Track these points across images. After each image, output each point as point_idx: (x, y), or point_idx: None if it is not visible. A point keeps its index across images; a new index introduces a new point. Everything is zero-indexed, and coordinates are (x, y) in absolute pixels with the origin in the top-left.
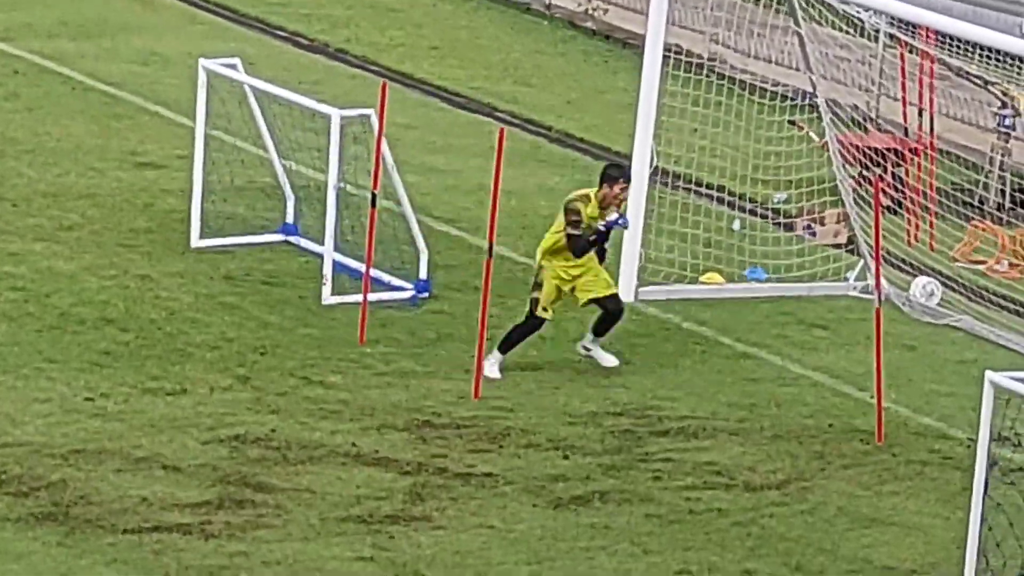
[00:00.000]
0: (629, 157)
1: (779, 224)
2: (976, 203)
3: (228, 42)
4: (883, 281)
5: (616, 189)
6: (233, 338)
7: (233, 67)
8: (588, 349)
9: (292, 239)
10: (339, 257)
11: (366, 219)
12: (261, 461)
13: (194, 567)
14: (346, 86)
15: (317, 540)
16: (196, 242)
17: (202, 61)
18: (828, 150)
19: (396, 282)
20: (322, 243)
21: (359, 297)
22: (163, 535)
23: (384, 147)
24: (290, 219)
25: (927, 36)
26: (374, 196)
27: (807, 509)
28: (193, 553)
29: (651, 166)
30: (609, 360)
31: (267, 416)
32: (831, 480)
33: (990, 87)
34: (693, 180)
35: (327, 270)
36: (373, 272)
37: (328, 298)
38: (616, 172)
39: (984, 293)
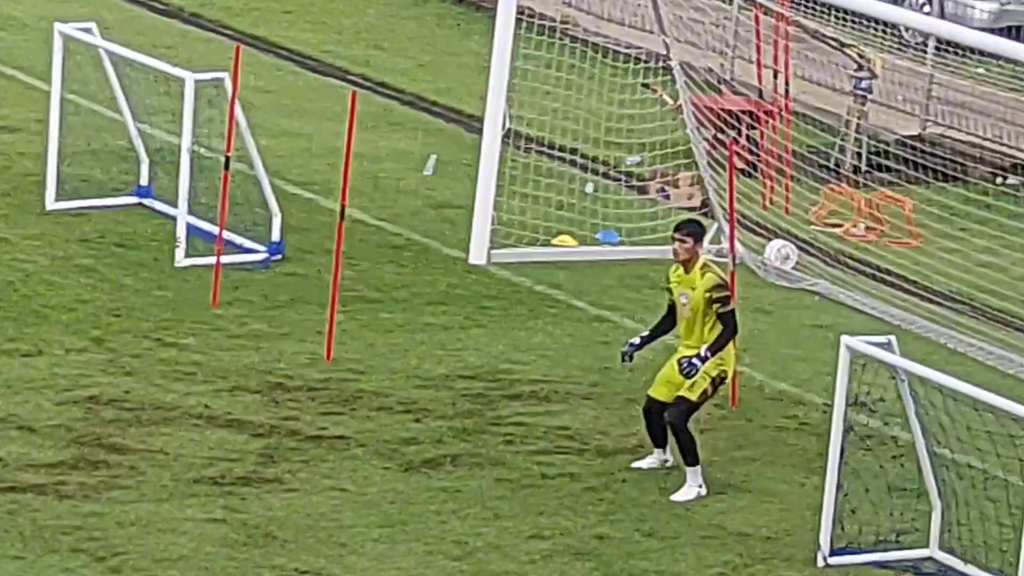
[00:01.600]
0: (481, 120)
1: (632, 187)
2: (832, 166)
3: (84, 6)
4: (738, 244)
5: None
6: (88, 300)
7: (88, 31)
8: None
9: (146, 202)
10: (193, 220)
11: (219, 182)
12: (115, 422)
13: (48, 527)
14: (200, 50)
15: (170, 501)
16: (51, 205)
17: (58, 25)
18: (682, 113)
19: (249, 244)
20: (176, 206)
21: (212, 259)
22: (17, 495)
23: (238, 110)
24: (144, 182)
25: None
26: (227, 159)
27: (660, 475)
28: (47, 513)
29: (504, 129)
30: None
31: (121, 378)
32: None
33: (846, 49)
34: (546, 143)
35: (181, 232)
36: (226, 234)
37: (182, 260)
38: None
39: (840, 257)
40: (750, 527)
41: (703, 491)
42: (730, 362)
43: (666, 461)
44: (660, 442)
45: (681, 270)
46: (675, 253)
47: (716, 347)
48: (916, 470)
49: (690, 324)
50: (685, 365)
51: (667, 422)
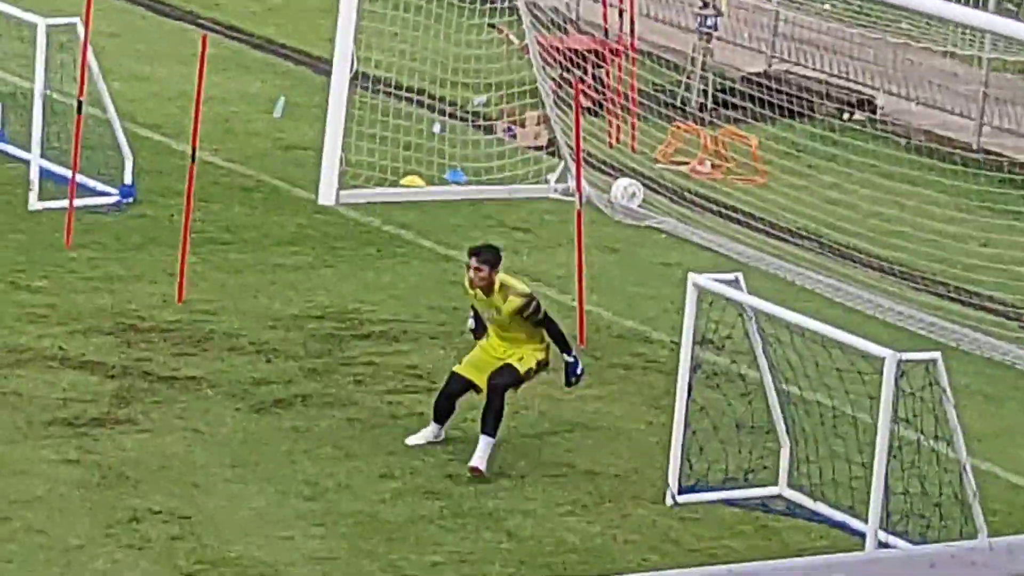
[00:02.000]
0: (329, 62)
1: (479, 127)
2: (678, 104)
3: None
4: (584, 183)
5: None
6: None
7: None
8: None
9: None
10: (45, 163)
11: (72, 126)
12: None
13: None
14: None
15: (24, 443)
16: None
17: None
18: (528, 53)
19: (101, 187)
20: (29, 150)
21: (65, 203)
22: None
23: (90, 55)
24: None
25: None
26: (80, 103)
27: (508, 413)
28: None
29: (352, 71)
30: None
31: None
32: (533, 383)
33: None
34: (394, 84)
35: (33, 176)
36: (79, 178)
37: (34, 204)
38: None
39: (687, 194)
40: (599, 465)
41: (484, 468)
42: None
43: (438, 437)
44: (443, 418)
45: (480, 293)
46: (470, 281)
47: (562, 344)
48: (764, 408)
49: (503, 328)
50: (573, 379)
51: (491, 384)
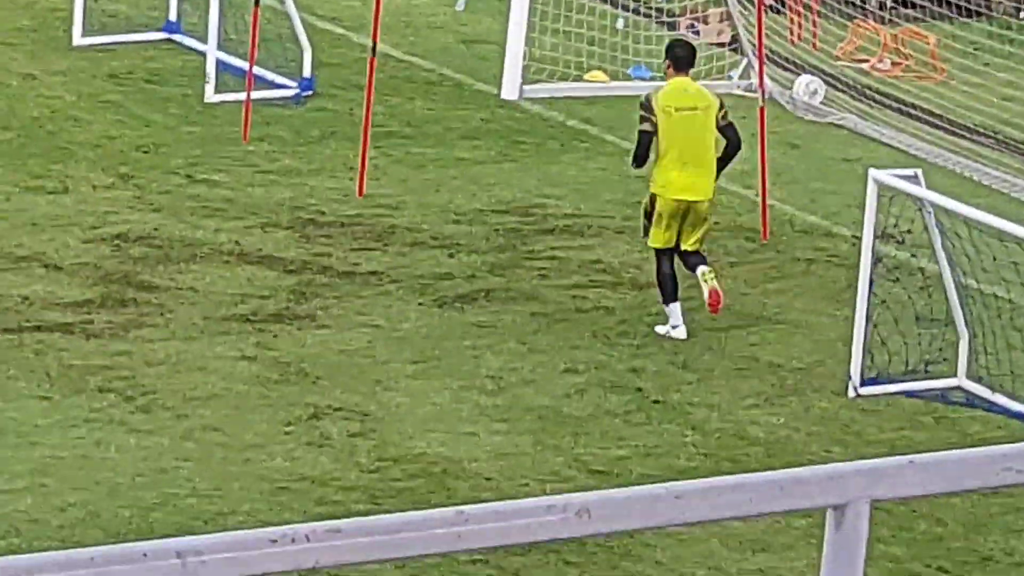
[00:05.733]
0: None
1: (663, 23)
2: (859, 2)
3: None
4: (766, 79)
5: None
6: (116, 136)
7: None
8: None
9: (175, 37)
10: (222, 55)
11: (249, 17)
12: (144, 260)
13: (76, 366)
14: None
15: (200, 339)
16: (79, 40)
17: None
18: None
19: (280, 80)
20: (205, 41)
21: (242, 95)
22: (44, 334)
23: None
24: (173, 17)
25: None
26: None
27: (693, 307)
28: (75, 352)
29: None
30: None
31: (150, 215)
32: (717, 278)
33: None
34: None
35: (210, 68)
36: (257, 70)
37: (212, 96)
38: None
39: (867, 91)
40: (782, 358)
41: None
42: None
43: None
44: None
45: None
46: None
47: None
48: (943, 301)
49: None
50: None
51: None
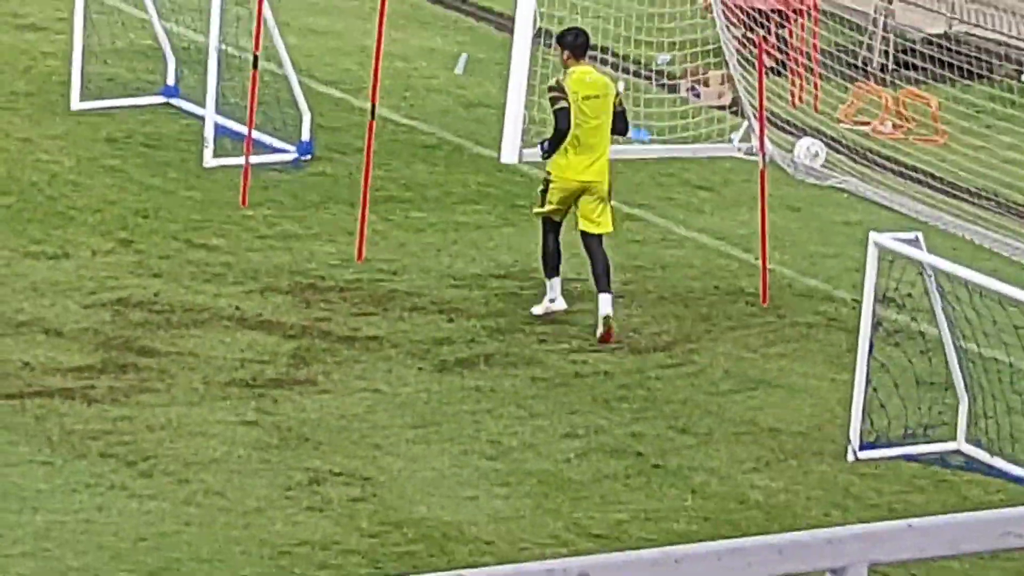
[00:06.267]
0: (512, 19)
1: (663, 85)
2: (860, 64)
3: None
4: (767, 142)
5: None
6: (115, 201)
7: None
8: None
9: (173, 101)
10: (221, 119)
11: (248, 81)
12: (144, 325)
13: (77, 432)
14: None
15: (201, 404)
16: (77, 104)
17: None
18: (712, 11)
19: (278, 144)
20: (204, 105)
21: (241, 159)
22: (46, 400)
23: (266, 8)
24: (171, 81)
25: None
26: (256, 58)
27: (693, 372)
28: (76, 417)
29: (534, 28)
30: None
31: (150, 279)
32: (717, 342)
33: None
34: None
35: (209, 132)
36: (255, 134)
37: (210, 160)
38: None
39: (868, 154)
40: (781, 422)
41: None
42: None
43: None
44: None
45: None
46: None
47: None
48: (943, 364)
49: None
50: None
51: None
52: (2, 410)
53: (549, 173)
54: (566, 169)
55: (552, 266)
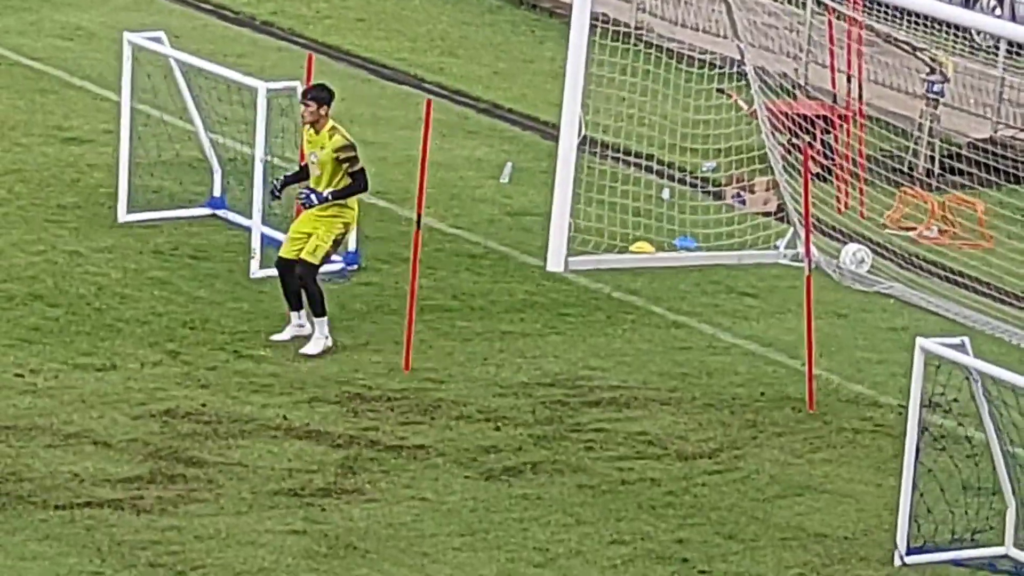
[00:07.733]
0: (557, 127)
1: (708, 192)
2: (906, 169)
3: (152, 15)
4: (813, 249)
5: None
6: (162, 313)
7: (158, 40)
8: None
9: (220, 213)
10: (267, 230)
11: (294, 192)
12: (192, 435)
13: (126, 542)
14: (272, 59)
15: (249, 514)
16: (124, 217)
17: (126, 35)
18: (757, 118)
19: None
20: (250, 216)
21: None
22: (95, 511)
23: None
24: (217, 193)
25: (854, 2)
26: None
27: (739, 478)
28: (125, 528)
29: (579, 135)
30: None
31: (197, 390)
32: (763, 448)
33: (918, 53)
34: (622, 149)
35: (255, 243)
36: None
37: (257, 271)
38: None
39: (914, 260)
40: (828, 528)
41: (329, 342)
42: (352, 219)
43: (301, 326)
44: (295, 305)
45: (312, 131)
46: (302, 116)
47: (340, 194)
48: (990, 469)
49: (318, 180)
50: (303, 196)
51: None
52: (52, 521)
53: (345, 223)
54: (354, 217)
55: (324, 304)
